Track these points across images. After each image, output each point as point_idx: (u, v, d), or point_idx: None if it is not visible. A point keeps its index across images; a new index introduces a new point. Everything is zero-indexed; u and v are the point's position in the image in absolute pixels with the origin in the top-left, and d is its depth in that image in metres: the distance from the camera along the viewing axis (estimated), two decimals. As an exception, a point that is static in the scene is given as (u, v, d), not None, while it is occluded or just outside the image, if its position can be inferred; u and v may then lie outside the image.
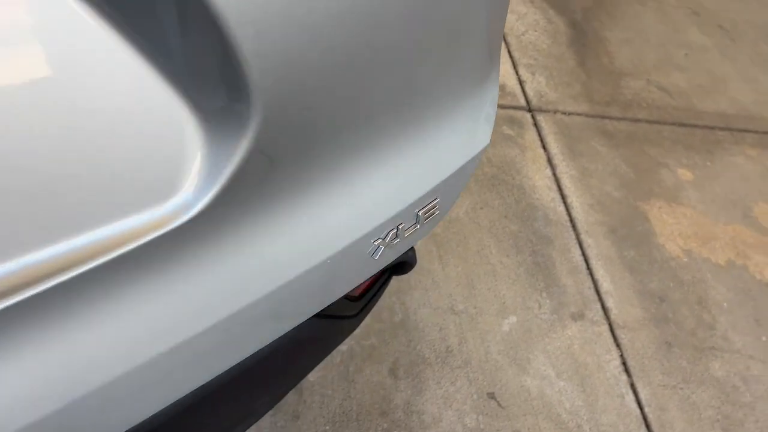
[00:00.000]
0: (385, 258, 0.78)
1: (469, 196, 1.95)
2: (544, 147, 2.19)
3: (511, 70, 2.50)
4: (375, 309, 1.59)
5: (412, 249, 0.96)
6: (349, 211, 0.67)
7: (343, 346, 1.51)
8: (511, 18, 2.78)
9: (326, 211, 0.64)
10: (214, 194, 0.48)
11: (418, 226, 0.78)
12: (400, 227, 0.74)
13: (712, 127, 2.45)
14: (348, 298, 0.94)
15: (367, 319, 1.57)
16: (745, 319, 1.79)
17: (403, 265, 1.01)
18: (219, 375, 0.64)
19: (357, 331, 1.54)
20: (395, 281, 1.66)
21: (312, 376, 1.45)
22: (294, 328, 0.75)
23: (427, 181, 0.75)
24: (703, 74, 2.74)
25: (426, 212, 0.78)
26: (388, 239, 0.73)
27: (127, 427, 0.57)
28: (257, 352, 0.68)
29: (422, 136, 0.74)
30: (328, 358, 1.48)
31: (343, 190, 0.65)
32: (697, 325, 1.74)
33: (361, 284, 0.99)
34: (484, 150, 0.84)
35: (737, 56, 2.89)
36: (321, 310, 0.84)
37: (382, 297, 1.64)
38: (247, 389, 0.75)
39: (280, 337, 0.70)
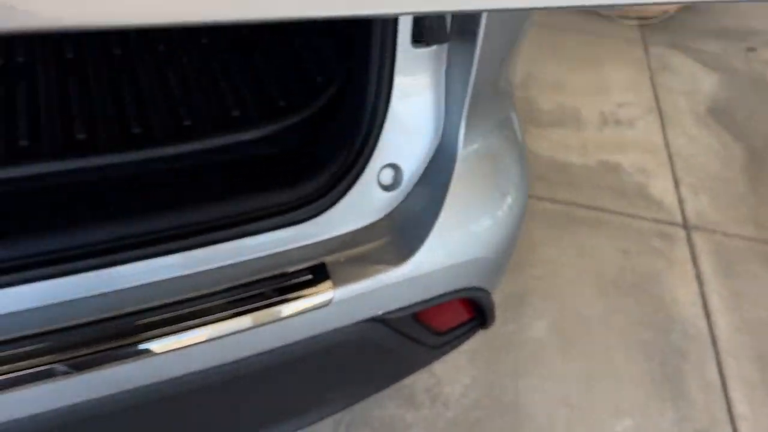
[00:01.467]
0: None
1: (603, 299, 1.97)
2: (694, 263, 2.14)
3: (672, 188, 2.50)
4: (486, 384, 1.67)
5: (488, 295, 1.06)
6: None
7: (448, 413, 1.59)
8: (681, 140, 2.79)
9: None
10: None
11: None
12: None
13: None
14: (433, 330, 1.06)
15: (477, 393, 1.65)
16: None
17: (485, 316, 1.12)
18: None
19: (466, 402, 1.62)
20: (512, 362, 1.73)
21: (415, 434, 1.55)
22: (359, 329, 0.89)
23: None
24: None
25: None
26: None
27: None
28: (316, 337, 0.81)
29: None
30: (431, 424, 1.57)
31: None
32: None
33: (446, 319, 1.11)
34: None
35: None
36: (396, 326, 0.96)
37: (495, 376, 1.71)
38: (296, 382, 0.88)
39: (342, 332, 0.83)
